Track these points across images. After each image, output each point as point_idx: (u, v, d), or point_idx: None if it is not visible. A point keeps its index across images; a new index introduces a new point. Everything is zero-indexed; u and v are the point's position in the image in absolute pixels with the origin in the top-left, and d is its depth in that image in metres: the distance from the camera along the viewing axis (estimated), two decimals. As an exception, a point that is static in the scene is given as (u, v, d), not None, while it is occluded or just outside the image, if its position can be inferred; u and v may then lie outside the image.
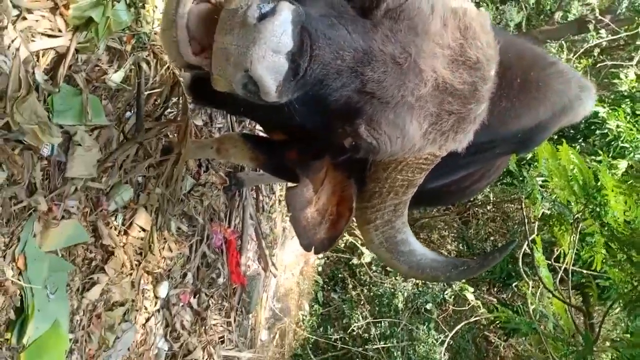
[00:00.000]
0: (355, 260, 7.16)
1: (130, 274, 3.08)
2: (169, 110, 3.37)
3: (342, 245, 7.18)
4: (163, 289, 3.47)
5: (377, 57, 1.36)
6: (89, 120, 2.52)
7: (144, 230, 3.22)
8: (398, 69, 1.38)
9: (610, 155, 4.98)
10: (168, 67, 3.08)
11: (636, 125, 5.09)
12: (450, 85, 1.45)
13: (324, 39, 1.28)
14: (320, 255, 7.20)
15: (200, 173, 4.06)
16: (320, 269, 7.60)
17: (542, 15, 11.44)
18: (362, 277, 7.48)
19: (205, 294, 4.13)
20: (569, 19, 9.86)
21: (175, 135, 3.37)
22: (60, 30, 2.39)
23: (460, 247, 8.50)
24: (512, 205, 8.02)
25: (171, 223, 3.57)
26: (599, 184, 3.72)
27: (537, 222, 4.98)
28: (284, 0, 1.24)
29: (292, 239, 6.34)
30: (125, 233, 3.08)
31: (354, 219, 1.84)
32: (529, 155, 4.88)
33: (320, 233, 1.83)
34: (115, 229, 2.99)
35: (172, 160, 3.30)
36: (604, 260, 3.89)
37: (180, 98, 3.27)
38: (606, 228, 3.73)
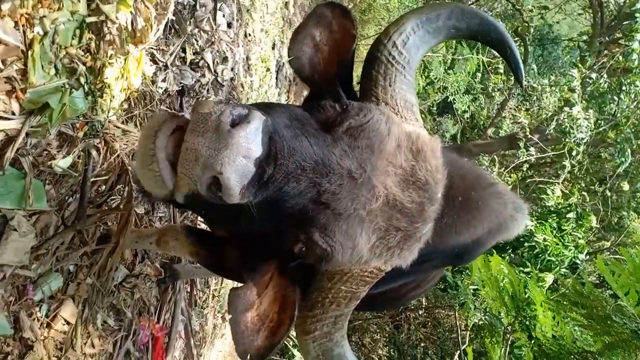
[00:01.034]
0: (285, 363, 6.92)
1: (48, 372, 2.85)
2: (112, 198, 3.32)
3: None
4: (81, 389, 3.20)
5: (335, 170, 1.44)
6: (29, 204, 2.44)
7: (68, 323, 3.03)
8: (353, 183, 1.46)
9: (537, 268, 5.22)
10: (118, 155, 3.07)
11: (562, 241, 5.41)
12: (400, 203, 1.53)
13: (288, 149, 1.36)
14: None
15: (135, 263, 3.92)
16: (249, 370, 7.23)
17: (475, 129, 12.34)
18: (291, 380, 7.18)
19: (126, 396, 3.84)
20: (500, 135, 10.64)
21: (115, 223, 3.29)
22: (13, 113, 2.36)
23: (392, 353, 8.40)
24: (444, 312, 8.12)
25: (98, 316, 3.38)
26: (528, 296, 3.87)
27: (468, 332, 5.06)
28: (255, 110, 1.31)
29: (221, 337, 6.09)
30: (48, 326, 2.87)
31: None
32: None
33: (258, 340, 1.75)
34: (38, 320, 2.80)
35: (109, 249, 3.20)
36: (533, 375, 3.96)
37: (127, 186, 3.24)
38: (534, 342, 3.84)
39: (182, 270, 4.49)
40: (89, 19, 2.56)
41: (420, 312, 8.50)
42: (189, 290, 5.12)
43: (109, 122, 2.86)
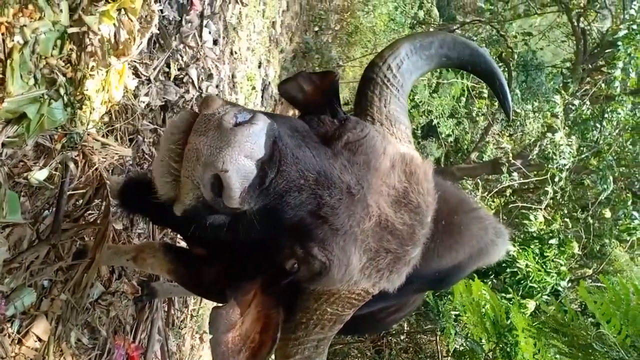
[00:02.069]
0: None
1: (17, 390, 2.75)
2: (89, 212, 3.24)
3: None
4: (50, 410, 3.09)
5: (336, 183, 1.42)
6: (3, 216, 2.37)
7: (40, 340, 2.93)
8: (351, 199, 1.44)
9: (519, 294, 5.20)
10: (96, 169, 3.01)
11: (544, 267, 5.41)
12: (392, 224, 1.51)
13: (292, 157, 1.33)
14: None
15: (112, 280, 3.83)
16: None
17: (459, 154, 12.46)
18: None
19: (98, 417, 3.71)
20: (484, 160, 10.73)
21: (92, 238, 3.21)
22: (-11, 123, 2.31)
23: (372, 377, 8.30)
24: (425, 337, 8.05)
25: (71, 334, 3.28)
26: (509, 322, 3.85)
27: (449, 357, 5.01)
28: (261, 114, 1.29)
29: (199, 358, 5.96)
30: (20, 342, 2.78)
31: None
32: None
33: None
34: (9, 336, 2.71)
35: (84, 265, 3.11)
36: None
37: (104, 201, 3.17)
38: (515, 369, 3.81)
39: (160, 288, 4.39)
40: (70, 30, 2.53)
41: (402, 337, 8.42)
42: (166, 309, 5.01)
43: (88, 134, 2.80)
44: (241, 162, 1.21)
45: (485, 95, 10.56)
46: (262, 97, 7.32)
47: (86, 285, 3.20)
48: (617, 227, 8.00)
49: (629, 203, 8.05)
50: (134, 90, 3.36)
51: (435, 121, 11.51)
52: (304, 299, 1.69)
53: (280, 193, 1.34)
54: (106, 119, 3.13)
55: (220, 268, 2.14)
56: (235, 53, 5.80)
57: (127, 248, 3.27)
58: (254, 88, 6.65)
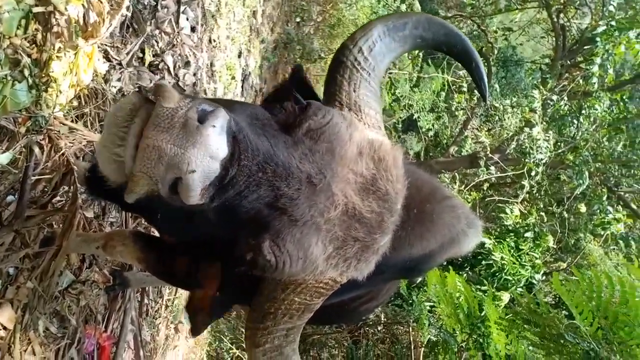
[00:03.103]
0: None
1: (-18, 378, 2.69)
2: (57, 198, 3.17)
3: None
4: (17, 398, 3.03)
5: (294, 174, 1.38)
6: (-38, 200, 2.30)
7: (5, 328, 2.87)
8: (312, 189, 1.40)
9: (494, 287, 5.25)
10: (63, 154, 2.94)
11: (519, 260, 5.46)
12: (359, 212, 1.48)
13: (252, 150, 1.29)
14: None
15: (83, 269, 3.76)
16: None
17: (439, 148, 12.53)
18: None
19: (67, 406, 3.66)
20: (462, 154, 10.79)
21: (60, 225, 3.14)
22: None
23: (349, 368, 8.33)
24: (402, 328, 8.10)
25: (39, 322, 3.21)
26: (483, 314, 3.87)
27: (423, 348, 5.04)
28: (221, 108, 1.25)
29: (174, 349, 5.91)
30: (-18, 330, 2.72)
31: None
32: (419, 279, 5.03)
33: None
34: (-29, 324, 2.64)
35: (52, 252, 3.05)
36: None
37: (72, 187, 3.10)
38: (488, 360, 3.84)
39: (133, 278, 4.33)
40: (35, 9, 2.45)
41: (379, 328, 8.46)
42: (139, 299, 4.96)
43: (55, 118, 2.73)
44: (206, 164, 1.18)
45: (465, 90, 10.60)
46: (242, 87, 7.24)
47: (54, 273, 3.14)
48: (592, 221, 8.11)
49: (604, 198, 8.16)
50: (104, 75, 3.28)
51: (415, 115, 11.55)
52: (270, 289, 1.66)
53: (239, 188, 1.31)
54: (75, 103, 3.05)
55: (191, 257, 2.10)
56: (214, 41, 5.72)
57: (97, 236, 3.21)
58: (233, 78, 6.58)
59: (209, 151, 1.18)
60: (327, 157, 1.46)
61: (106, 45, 3.28)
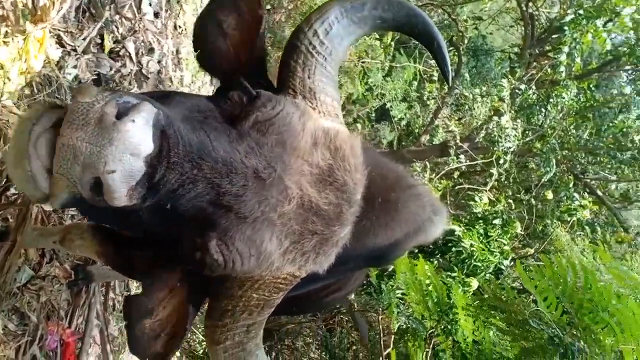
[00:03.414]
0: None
1: None
2: (12, 191, 3.06)
3: (201, 351, 6.75)
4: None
5: (238, 169, 1.31)
6: None
7: (-43, 326, 2.77)
8: (261, 184, 1.34)
9: (464, 273, 5.28)
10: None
11: (488, 247, 5.50)
12: (316, 205, 1.44)
13: (183, 146, 1.22)
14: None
15: (42, 264, 3.65)
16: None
17: (411, 137, 12.57)
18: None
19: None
20: (434, 143, 10.85)
21: (15, 219, 3.04)
22: None
23: (323, 356, 8.37)
24: (375, 315, 8.15)
25: (-3, 320, 3.12)
26: (451, 301, 3.89)
27: (393, 336, 5.05)
28: (145, 101, 1.17)
29: (143, 342, 5.82)
30: None
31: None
32: (390, 267, 5.04)
33: (156, 346, 1.64)
34: None
35: (7, 247, 2.95)
36: (454, 379, 3.98)
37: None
38: (456, 346, 3.86)
39: (97, 272, 4.23)
40: (-22, -9, 2.33)
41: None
42: (104, 293, 4.85)
43: (3, 107, 2.61)
44: (126, 162, 1.11)
45: (436, 79, 10.64)
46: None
47: (10, 269, 3.05)
48: (559, 208, 8.23)
49: (571, 185, 8.29)
50: (58, 61, 3.15)
51: (388, 105, 11.55)
52: (227, 287, 1.60)
53: (172, 187, 1.24)
54: (27, 91, 2.93)
55: (149, 253, 2.03)
56: (180, 27, 5.58)
57: (54, 229, 3.10)
58: (201, 65, 6.44)
59: (129, 148, 1.11)
60: (277, 149, 1.40)
61: (59, 30, 3.15)
